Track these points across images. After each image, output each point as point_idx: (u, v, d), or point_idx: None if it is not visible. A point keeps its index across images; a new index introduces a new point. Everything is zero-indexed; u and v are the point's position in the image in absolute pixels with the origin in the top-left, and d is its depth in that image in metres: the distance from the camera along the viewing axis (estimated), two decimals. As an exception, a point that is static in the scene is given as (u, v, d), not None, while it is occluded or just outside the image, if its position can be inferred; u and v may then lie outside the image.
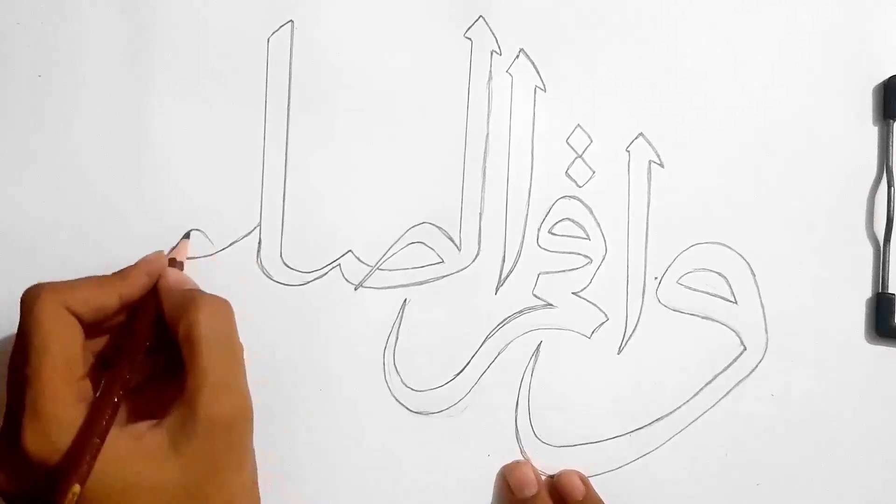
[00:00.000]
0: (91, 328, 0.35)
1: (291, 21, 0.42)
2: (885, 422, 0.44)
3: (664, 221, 0.43)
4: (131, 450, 0.33)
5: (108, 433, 0.32)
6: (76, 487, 0.31)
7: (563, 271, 0.43)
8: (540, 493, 0.41)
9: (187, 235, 0.40)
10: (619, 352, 0.43)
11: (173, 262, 0.39)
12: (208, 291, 0.37)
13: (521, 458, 0.42)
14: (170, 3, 0.41)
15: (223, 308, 0.36)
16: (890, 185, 0.43)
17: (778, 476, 0.43)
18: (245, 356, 0.38)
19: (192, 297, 0.35)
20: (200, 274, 0.40)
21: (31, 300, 0.34)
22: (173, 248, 0.40)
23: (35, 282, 0.39)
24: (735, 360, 0.43)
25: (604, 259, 0.43)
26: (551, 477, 0.42)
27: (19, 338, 0.34)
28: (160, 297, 0.37)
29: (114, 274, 0.37)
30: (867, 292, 0.44)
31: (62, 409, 0.32)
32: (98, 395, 0.34)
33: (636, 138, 0.43)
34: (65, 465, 0.31)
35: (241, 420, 0.35)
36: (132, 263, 0.37)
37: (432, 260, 0.42)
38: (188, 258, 0.40)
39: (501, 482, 0.42)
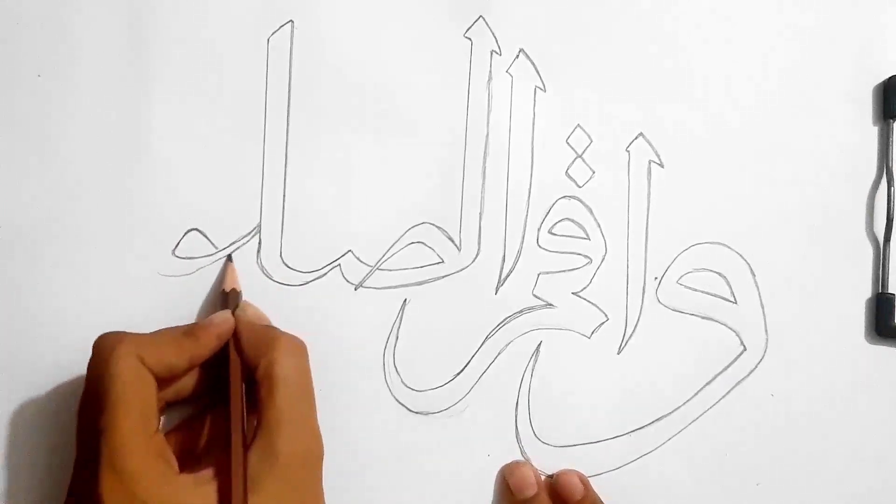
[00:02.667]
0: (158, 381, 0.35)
1: (291, 21, 0.42)
2: (885, 422, 0.44)
3: (664, 221, 0.43)
4: (208, 495, 0.33)
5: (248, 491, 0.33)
6: None
7: (563, 271, 0.43)
8: (539, 493, 0.41)
9: (230, 258, 0.40)
10: (619, 352, 0.43)
11: (234, 293, 0.39)
12: (247, 299, 0.37)
13: (521, 458, 0.42)
14: (169, 3, 0.41)
15: (301, 348, 0.37)
16: (890, 185, 0.43)
17: (778, 476, 0.43)
18: None
19: (272, 336, 0.36)
20: (200, 274, 0.41)
21: (107, 350, 0.34)
22: (220, 278, 0.40)
23: (35, 281, 0.40)
24: (735, 360, 0.43)
25: (604, 259, 0.43)
26: (550, 477, 0.42)
27: (92, 388, 0.33)
28: (239, 331, 0.37)
29: (185, 334, 0.36)
30: (867, 292, 0.44)
31: (142, 463, 0.32)
32: (225, 451, 0.34)
33: (636, 138, 0.43)
34: None
35: (315, 458, 0.35)
36: (202, 323, 0.37)
37: (432, 260, 0.42)
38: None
39: (501, 483, 0.42)
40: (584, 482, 0.41)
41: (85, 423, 0.34)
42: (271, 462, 0.33)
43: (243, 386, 0.37)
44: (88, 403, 0.34)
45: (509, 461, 0.42)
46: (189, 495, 0.33)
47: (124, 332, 0.35)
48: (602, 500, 0.41)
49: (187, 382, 0.37)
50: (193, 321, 0.40)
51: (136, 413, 0.33)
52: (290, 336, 0.37)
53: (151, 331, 0.37)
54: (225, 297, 0.39)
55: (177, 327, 0.37)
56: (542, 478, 0.42)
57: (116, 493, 0.32)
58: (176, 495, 0.32)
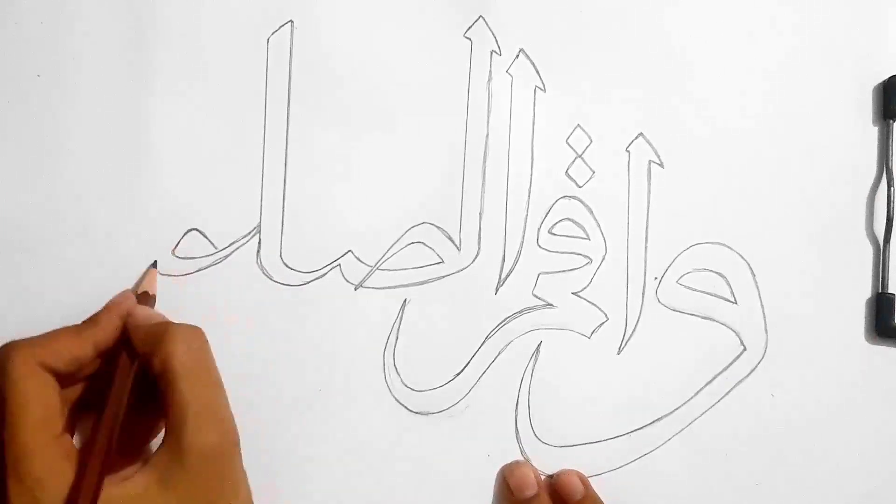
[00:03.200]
0: (66, 378, 0.35)
1: (291, 21, 0.42)
2: (885, 422, 0.44)
3: (664, 221, 0.43)
4: (123, 495, 0.32)
5: (102, 485, 0.32)
6: None
7: (563, 271, 0.43)
8: (540, 493, 0.41)
9: (154, 265, 0.40)
10: (619, 352, 0.43)
11: (146, 296, 0.39)
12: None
13: (521, 458, 0.42)
14: (170, 3, 0.41)
15: (196, 336, 0.35)
16: (890, 185, 0.43)
17: (778, 476, 0.43)
18: (243, 360, 0.38)
19: (163, 329, 0.35)
20: (200, 275, 0.41)
21: (2, 360, 0.33)
22: (139, 281, 0.40)
23: (34, 281, 0.40)
24: (735, 360, 0.43)
25: (604, 259, 0.43)
26: (551, 477, 0.42)
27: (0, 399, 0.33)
28: (130, 332, 0.36)
29: (85, 322, 0.36)
30: (867, 292, 0.44)
31: (45, 469, 0.32)
32: (84, 447, 0.34)
33: (636, 138, 0.43)
34: None
35: (228, 446, 0.34)
36: (102, 309, 0.37)
37: (432, 260, 0.42)
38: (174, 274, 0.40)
39: (501, 483, 0.42)
40: (584, 482, 0.41)
41: None
42: (180, 458, 0.33)
43: (133, 384, 0.35)
44: None
45: (509, 461, 0.42)
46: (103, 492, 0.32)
47: (20, 339, 0.34)
48: (602, 500, 0.41)
49: (96, 381, 0.36)
50: (193, 321, 0.40)
51: (36, 418, 0.32)
52: (182, 326, 0.36)
53: None
54: (141, 298, 0.39)
55: (77, 324, 0.37)
56: (542, 478, 0.42)
57: (23, 501, 0.31)
58: None
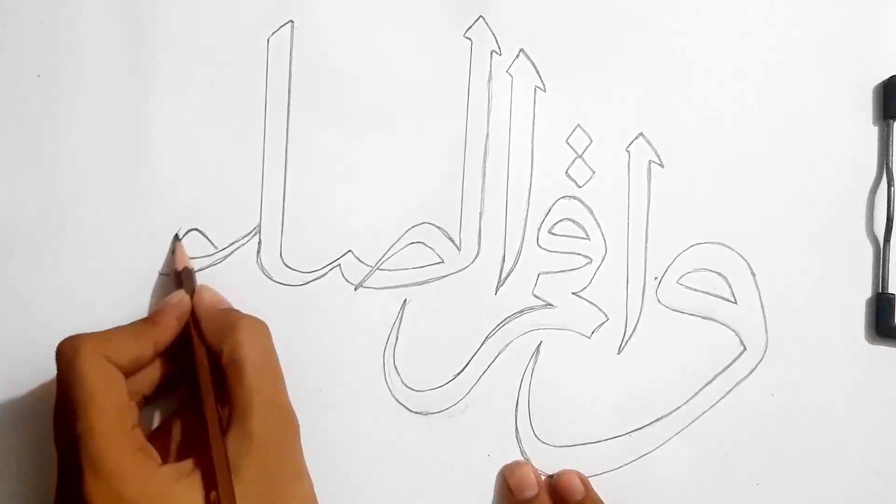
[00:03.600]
0: (126, 375, 0.35)
1: (291, 21, 0.42)
2: (885, 422, 0.44)
3: (664, 221, 0.43)
4: (191, 485, 0.33)
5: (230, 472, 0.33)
6: None
7: (563, 271, 0.43)
8: (540, 494, 0.41)
9: (177, 237, 0.40)
10: (619, 352, 0.43)
11: (188, 272, 0.39)
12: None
13: (521, 458, 0.42)
14: (169, 3, 0.41)
15: (262, 328, 0.37)
16: (890, 185, 0.43)
17: (778, 476, 0.43)
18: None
19: (233, 318, 0.36)
20: (200, 275, 0.41)
21: (70, 354, 0.33)
22: (171, 257, 0.40)
23: (35, 281, 0.40)
24: (735, 360, 0.43)
25: (604, 259, 0.43)
26: (551, 477, 0.42)
27: (63, 394, 0.33)
28: (198, 318, 0.37)
29: (144, 321, 0.37)
30: (867, 292, 0.44)
31: (124, 461, 0.32)
32: (202, 438, 0.34)
33: (636, 138, 0.43)
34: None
35: (291, 435, 0.36)
36: (158, 307, 0.37)
37: (432, 260, 0.42)
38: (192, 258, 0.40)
39: (502, 483, 0.42)
40: (585, 482, 0.41)
41: (61, 431, 0.34)
42: (247, 446, 0.33)
43: (211, 374, 0.36)
44: (62, 410, 0.33)
45: (509, 461, 0.42)
46: (174, 486, 0.33)
47: (85, 333, 0.34)
48: (602, 500, 0.41)
49: (155, 374, 0.37)
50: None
51: (110, 412, 0.33)
52: (249, 317, 0.37)
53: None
54: (178, 278, 0.39)
55: (135, 320, 0.37)
56: (543, 478, 0.42)
57: (102, 496, 0.31)
58: (161, 488, 0.32)
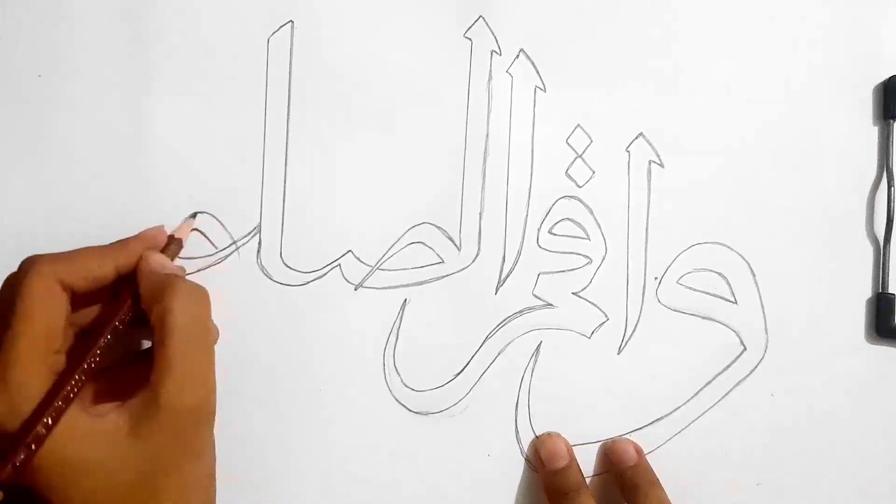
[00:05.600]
0: (81, 299, 0.36)
1: (291, 21, 0.42)
2: (885, 422, 0.44)
3: (664, 221, 0.43)
4: (91, 427, 0.33)
5: (70, 404, 0.33)
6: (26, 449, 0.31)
7: (563, 271, 0.43)
8: (571, 464, 0.41)
9: (193, 215, 0.41)
10: (619, 352, 0.43)
11: (171, 240, 0.39)
12: (199, 286, 0.36)
13: (521, 458, 0.42)
14: (169, 3, 0.41)
15: (200, 296, 0.36)
16: (890, 185, 0.43)
17: (778, 476, 0.43)
18: (243, 360, 0.38)
19: (169, 282, 0.35)
20: (200, 274, 0.41)
21: (25, 266, 0.34)
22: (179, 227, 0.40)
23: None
24: (735, 360, 0.43)
25: (604, 259, 0.43)
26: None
27: (5, 298, 0.34)
28: (138, 278, 0.37)
29: (112, 244, 0.37)
30: (867, 292, 0.44)
31: (31, 377, 0.33)
32: (66, 367, 0.34)
33: (636, 138, 0.43)
34: (23, 428, 0.32)
35: (203, 413, 0.35)
36: (133, 236, 0.38)
37: (432, 260, 0.42)
38: (197, 234, 0.41)
39: (534, 454, 0.42)
40: (639, 451, 0.42)
41: None
42: (156, 412, 0.33)
43: (128, 317, 0.36)
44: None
45: (509, 461, 0.42)
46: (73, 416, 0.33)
47: (45, 254, 0.35)
48: (654, 471, 0.41)
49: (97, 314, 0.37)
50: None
51: (39, 330, 0.33)
52: (189, 283, 0.35)
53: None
54: (169, 243, 0.39)
55: (106, 246, 0.37)
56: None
57: (3, 405, 0.32)
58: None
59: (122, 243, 0.37)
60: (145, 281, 0.36)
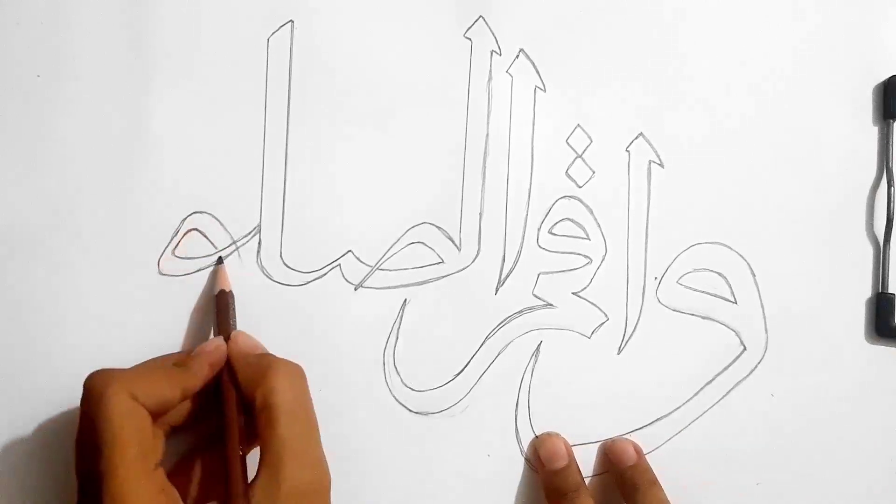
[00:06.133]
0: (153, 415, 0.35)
1: (291, 21, 0.42)
2: (885, 421, 0.44)
3: (664, 221, 0.43)
4: None
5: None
6: None
7: (563, 271, 0.43)
8: (570, 464, 0.41)
9: (220, 261, 0.40)
10: (619, 352, 0.43)
11: (224, 294, 0.39)
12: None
13: (521, 458, 0.42)
14: (169, 3, 0.41)
15: (299, 374, 0.36)
16: (890, 185, 0.43)
17: (778, 476, 0.43)
18: None
19: (268, 363, 0.35)
20: (200, 275, 0.41)
21: (98, 390, 0.33)
22: (211, 282, 0.40)
23: (35, 281, 0.40)
24: (735, 360, 0.43)
25: (604, 259, 0.43)
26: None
27: (87, 429, 0.33)
28: (233, 363, 0.37)
29: (177, 365, 0.36)
30: (867, 292, 0.44)
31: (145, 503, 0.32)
32: (205, 479, 0.35)
33: (636, 138, 0.43)
34: None
35: (322, 487, 0.35)
36: (194, 352, 0.37)
37: (432, 260, 0.42)
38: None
39: (533, 454, 0.42)
40: (638, 451, 0.42)
41: (82, 466, 0.33)
42: (276, 496, 0.33)
43: (241, 417, 0.36)
44: (85, 445, 0.33)
45: (509, 461, 0.42)
46: None
47: (114, 370, 0.34)
48: (653, 470, 0.41)
49: (183, 411, 0.37)
50: (193, 321, 0.40)
51: (134, 453, 0.32)
52: (286, 362, 0.36)
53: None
54: (219, 302, 0.39)
55: (167, 356, 0.37)
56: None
57: None
58: None
59: (185, 365, 0.36)
60: (241, 364, 0.36)
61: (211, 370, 0.37)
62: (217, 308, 0.39)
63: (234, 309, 0.39)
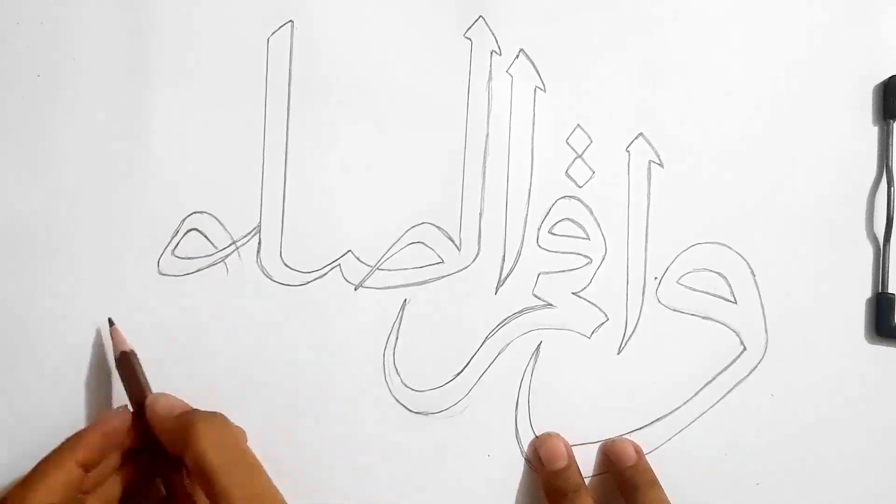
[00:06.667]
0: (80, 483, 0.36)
1: (291, 21, 0.42)
2: (885, 421, 0.44)
3: (664, 221, 0.43)
4: None
5: None
6: None
7: (563, 271, 0.43)
8: (570, 465, 0.41)
9: (111, 322, 0.39)
10: (619, 352, 0.43)
11: (126, 355, 0.38)
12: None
13: (521, 458, 0.42)
14: (170, 3, 0.41)
15: (221, 423, 0.36)
16: (890, 185, 0.43)
17: (778, 476, 0.43)
18: (243, 361, 0.39)
19: (187, 423, 0.35)
20: (200, 275, 0.41)
21: None
22: (114, 345, 0.39)
23: (35, 281, 0.40)
24: (735, 360, 0.43)
25: (604, 259, 0.43)
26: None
27: None
28: (154, 430, 0.37)
29: (68, 442, 0.36)
30: (867, 292, 0.44)
31: None
32: None
33: (636, 138, 0.43)
34: None
35: None
36: (85, 428, 0.37)
37: (432, 260, 0.42)
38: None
39: (533, 454, 0.42)
40: (638, 451, 0.41)
41: None
42: None
43: (185, 478, 0.36)
44: None
45: (509, 461, 0.42)
46: None
47: (8, 493, 0.35)
48: (653, 470, 0.41)
49: (106, 470, 0.37)
50: (193, 321, 0.40)
51: None
52: (205, 416, 0.36)
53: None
54: (122, 364, 0.38)
55: (61, 444, 0.37)
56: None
57: None
58: None
59: (78, 440, 0.36)
60: (161, 430, 0.36)
61: (105, 439, 0.37)
62: (122, 374, 0.38)
63: (141, 369, 0.38)
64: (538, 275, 0.43)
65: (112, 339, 0.39)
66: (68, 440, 0.36)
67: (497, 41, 0.43)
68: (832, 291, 0.44)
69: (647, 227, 0.43)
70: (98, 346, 0.40)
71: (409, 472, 0.42)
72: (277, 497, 0.35)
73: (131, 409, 0.38)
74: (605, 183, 0.43)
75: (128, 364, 0.38)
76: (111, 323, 0.39)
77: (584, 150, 0.43)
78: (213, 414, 0.36)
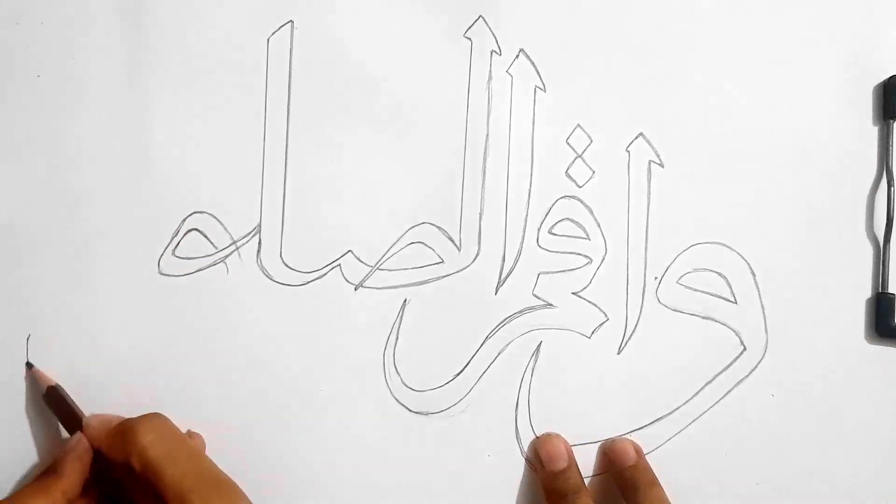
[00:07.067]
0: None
1: (291, 21, 0.42)
2: (885, 421, 0.44)
3: (664, 221, 0.43)
4: None
5: None
6: None
7: (563, 271, 0.43)
8: (571, 466, 0.41)
9: (29, 365, 0.40)
10: (619, 352, 0.43)
11: (52, 390, 0.39)
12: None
13: (521, 458, 0.42)
14: (169, 3, 0.41)
15: (159, 420, 0.37)
16: (890, 185, 0.43)
17: (778, 476, 0.43)
18: (243, 361, 0.39)
19: (126, 429, 0.36)
20: (200, 274, 0.41)
21: None
22: (39, 383, 0.39)
23: (35, 281, 0.40)
24: (735, 360, 0.43)
25: (604, 259, 0.43)
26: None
27: None
28: (98, 447, 0.37)
29: (48, 473, 0.37)
30: (867, 292, 0.44)
31: None
32: None
33: (636, 138, 0.43)
34: None
35: (237, 497, 0.36)
36: (58, 457, 0.37)
37: (432, 260, 0.42)
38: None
39: (533, 455, 0.42)
40: (638, 451, 0.42)
41: None
42: None
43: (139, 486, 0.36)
44: None
45: (509, 461, 0.42)
46: None
47: None
48: (653, 469, 0.41)
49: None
50: (193, 321, 0.40)
51: None
52: (142, 417, 0.37)
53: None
54: (51, 399, 0.39)
55: (46, 469, 0.37)
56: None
57: None
58: None
59: (58, 471, 0.37)
60: (105, 443, 0.37)
61: (81, 464, 0.37)
62: (52, 407, 0.39)
63: (69, 398, 0.39)
64: (538, 275, 0.43)
65: (36, 379, 0.39)
66: (48, 471, 0.37)
67: (497, 41, 0.43)
68: (832, 291, 0.44)
69: (647, 226, 0.43)
70: (99, 345, 0.40)
71: (409, 472, 0.42)
72: (226, 479, 0.36)
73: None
74: (605, 183, 0.43)
75: (57, 397, 0.39)
76: (29, 366, 0.40)
77: (584, 150, 0.43)
78: (153, 413, 0.37)
